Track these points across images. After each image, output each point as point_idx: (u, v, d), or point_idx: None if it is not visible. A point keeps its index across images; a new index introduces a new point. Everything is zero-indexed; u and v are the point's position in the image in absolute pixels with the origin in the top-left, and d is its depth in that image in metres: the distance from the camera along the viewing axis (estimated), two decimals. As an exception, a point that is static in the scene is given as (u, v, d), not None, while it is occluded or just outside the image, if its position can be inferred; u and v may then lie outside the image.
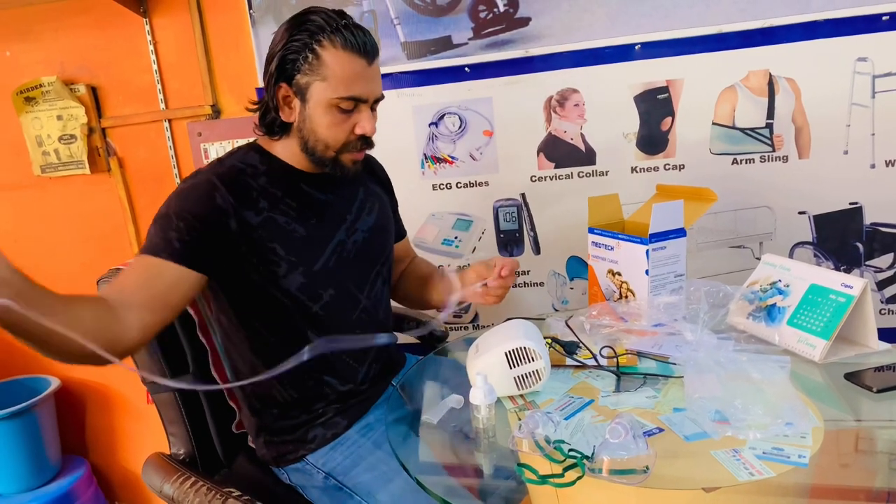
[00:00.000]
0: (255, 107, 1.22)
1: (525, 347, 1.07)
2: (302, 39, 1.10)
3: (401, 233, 1.51)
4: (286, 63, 1.12)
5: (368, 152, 1.24)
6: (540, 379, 1.09)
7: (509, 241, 1.85)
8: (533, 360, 1.08)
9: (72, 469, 2.19)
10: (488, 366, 1.07)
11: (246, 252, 1.12)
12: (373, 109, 1.18)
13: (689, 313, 1.24)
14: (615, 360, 1.17)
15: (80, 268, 2.14)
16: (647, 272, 1.28)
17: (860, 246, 1.65)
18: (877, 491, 0.92)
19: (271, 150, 1.21)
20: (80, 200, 2.11)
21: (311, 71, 1.10)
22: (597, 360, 1.18)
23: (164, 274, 1.04)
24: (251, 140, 1.26)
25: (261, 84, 1.86)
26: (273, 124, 1.19)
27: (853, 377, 1.07)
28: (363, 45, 1.11)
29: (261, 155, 1.20)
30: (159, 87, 1.97)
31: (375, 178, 1.40)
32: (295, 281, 1.16)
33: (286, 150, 1.20)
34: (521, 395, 1.10)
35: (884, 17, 1.52)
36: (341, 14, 1.12)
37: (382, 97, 1.19)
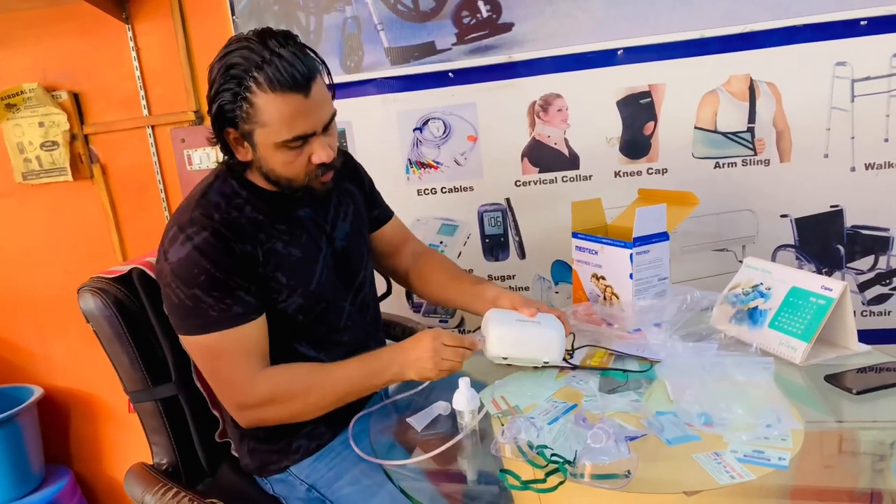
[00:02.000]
0: (215, 140, 1.15)
1: None
2: (231, 89, 1.03)
3: (385, 215, 1.45)
4: (225, 113, 1.05)
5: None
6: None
7: (494, 246, 1.86)
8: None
9: (55, 478, 2.17)
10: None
11: (254, 288, 1.11)
12: (327, 129, 1.11)
13: (669, 318, 1.25)
14: (588, 359, 1.19)
15: (62, 275, 2.12)
16: (631, 276, 1.29)
17: (841, 248, 1.67)
18: (858, 492, 0.93)
19: (244, 174, 1.18)
20: (63, 208, 2.09)
21: (250, 119, 1.04)
22: (570, 361, 1.19)
23: (258, 330, 1.11)
24: (222, 163, 1.20)
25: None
26: (233, 162, 1.15)
27: (833, 379, 1.08)
28: (292, 79, 1.01)
29: (237, 181, 1.16)
30: (142, 93, 1.96)
31: (344, 173, 1.34)
32: (294, 303, 1.15)
33: (256, 177, 1.16)
34: (505, 400, 1.10)
35: (862, 22, 1.53)
36: (263, 39, 1.03)
37: (335, 113, 1.11)
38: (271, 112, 1.03)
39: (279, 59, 1.01)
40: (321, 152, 1.09)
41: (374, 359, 1.12)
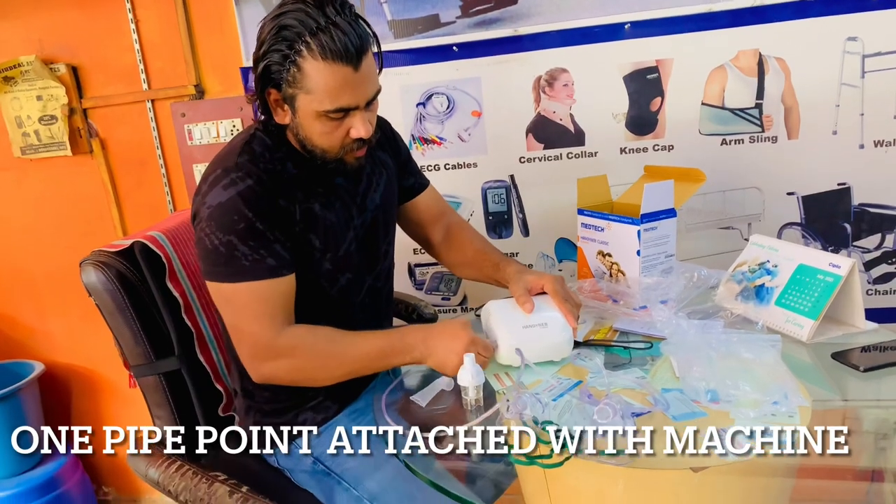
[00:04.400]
0: (253, 97, 1.14)
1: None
2: (282, 51, 1.02)
3: (421, 184, 1.42)
4: (271, 73, 1.05)
5: None
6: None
7: (498, 224, 1.84)
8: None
9: (57, 454, 2.17)
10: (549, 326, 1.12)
11: (290, 244, 1.10)
12: (370, 105, 1.10)
13: (675, 295, 1.24)
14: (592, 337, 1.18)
15: (62, 251, 2.11)
16: (638, 253, 1.28)
17: (848, 227, 1.65)
18: (862, 470, 0.93)
19: (281, 133, 1.17)
20: (62, 182, 2.07)
21: (295, 83, 1.03)
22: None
23: (288, 286, 1.10)
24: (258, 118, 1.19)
25: (245, 64, 1.84)
26: (269, 124, 1.14)
27: (840, 357, 1.08)
28: (344, 50, 1.00)
29: (278, 138, 1.15)
30: (141, 66, 1.93)
31: (378, 141, 1.32)
32: (321, 268, 1.15)
33: (292, 139, 1.15)
34: (510, 375, 1.09)
35: (874, -4, 1.51)
36: (321, 4, 1.01)
37: (379, 90, 1.11)
38: (318, 80, 1.02)
39: (335, 27, 1.00)
40: (360, 127, 1.08)
41: (398, 338, 1.11)
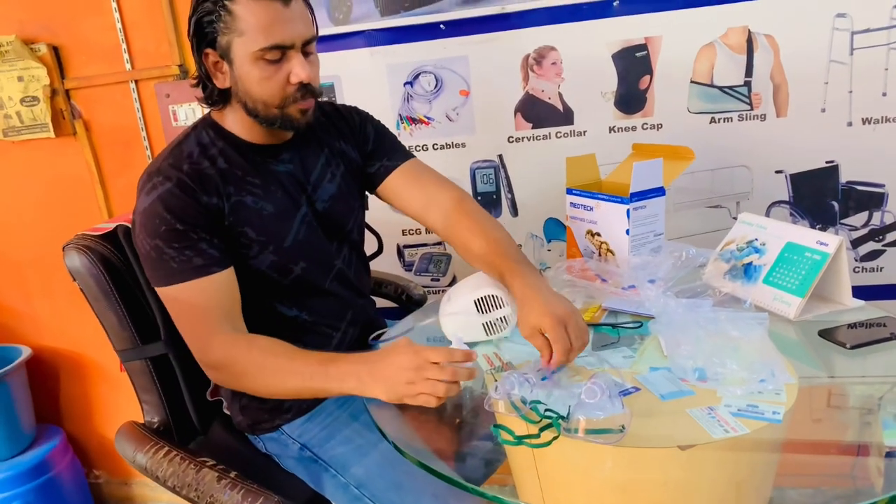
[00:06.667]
0: (196, 81, 1.16)
1: (493, 295, 1.12)
2: None
3: (387, 167, 1.30)
4: (204, 27, 1.06)
5: (329, 100, 1.18)
6: (507, 325, 1.13)
7: (487, 204, 1.83)
8: (501, 307, 1.12)
9: (47, 438, 2.17)
10: (459, 311, 1.12)
11: (217, 241, 1.10)
12: (307, 54, 1.10)
13: (664, 274, 1.24)
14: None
15: (46, 234, 2.09)
16: (627, 232, 1.27)
17: (836, 205, 1.66)
18: (848, 445, 0.94)
19: (224, 124, 1.17)
20: (46, 165, 2.04)
21: (228, 29, 1.05)
22: None
23: (221, 284, 1.08)
24: (205, 114, 1.21)
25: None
26: (212, 95, 1.14)
27: (827, 334, 1.08)
28: None
29: (215, 131, 1.16)
30: (124, 46, 1.90)
31: (340, 131, 1.29)
32: (265, 260, 1.14)
33: (236, 122, 1.16)
34: (498, 356, 1.09)
35: (863, -28, 1.49)
36: None
37: (314, 38, 1.11)
38: (250, 19, 1.03)
39: None
40: (299, 70, 1.08)
41: (335, 364, 1.02)
